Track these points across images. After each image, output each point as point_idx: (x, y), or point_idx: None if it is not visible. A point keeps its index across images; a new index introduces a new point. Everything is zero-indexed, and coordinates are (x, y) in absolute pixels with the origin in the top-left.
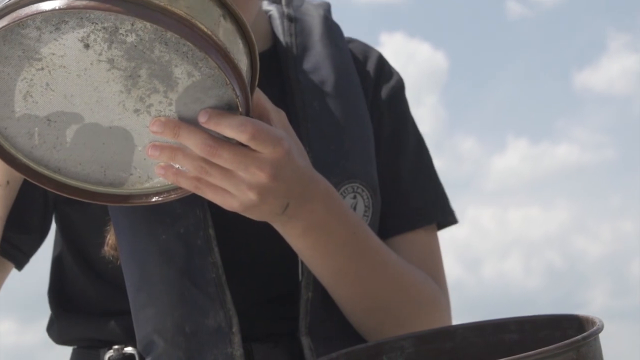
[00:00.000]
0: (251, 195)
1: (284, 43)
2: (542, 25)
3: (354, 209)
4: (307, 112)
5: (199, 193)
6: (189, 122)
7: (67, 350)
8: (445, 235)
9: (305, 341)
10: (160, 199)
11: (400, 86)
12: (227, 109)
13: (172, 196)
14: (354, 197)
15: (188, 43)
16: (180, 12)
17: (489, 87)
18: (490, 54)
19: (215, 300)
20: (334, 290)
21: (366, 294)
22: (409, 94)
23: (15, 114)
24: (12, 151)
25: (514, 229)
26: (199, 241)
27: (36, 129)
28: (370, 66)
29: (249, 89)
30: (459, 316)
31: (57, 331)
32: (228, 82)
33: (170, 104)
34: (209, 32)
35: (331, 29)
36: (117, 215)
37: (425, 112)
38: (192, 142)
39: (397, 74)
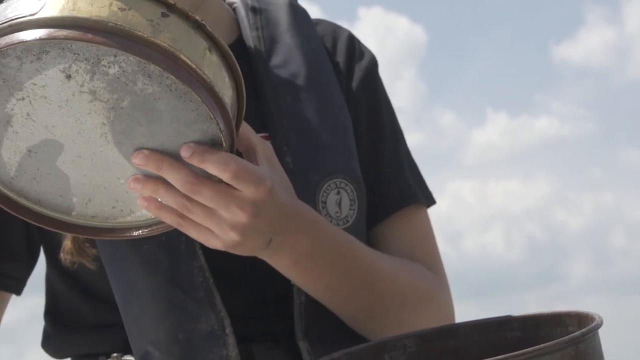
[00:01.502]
0: (233, 236)
1: (250, 37)
2: None
3: (339, 204)
4: (281, 110)
5: (182, 230)
6: (171, 155)
7: None
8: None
9: (303, 345)
10: (142, 232)
11: (373, 65)
12: (211, 144)
13: (155, 230)
14: (338, 193)
15: (172, 76)
16: (165, 45)
17: (468, 61)
18: (468, 27)
19: (205, 304)
20: (329, 305)
21: (362, 305)
22: (388, 68)
23: None
24: None
25: (494, 203)
26: (183, 246)
27: (17, 159)
28: (341, 48)
29: (233, 123)
30: None
31: (53, 348)
32: (212, 116)
33: (153, 137)
34: (193, 66)
35: (298, 16)
36: None
37: (404, 86)
38: (173, 177)
39: (369, 52)
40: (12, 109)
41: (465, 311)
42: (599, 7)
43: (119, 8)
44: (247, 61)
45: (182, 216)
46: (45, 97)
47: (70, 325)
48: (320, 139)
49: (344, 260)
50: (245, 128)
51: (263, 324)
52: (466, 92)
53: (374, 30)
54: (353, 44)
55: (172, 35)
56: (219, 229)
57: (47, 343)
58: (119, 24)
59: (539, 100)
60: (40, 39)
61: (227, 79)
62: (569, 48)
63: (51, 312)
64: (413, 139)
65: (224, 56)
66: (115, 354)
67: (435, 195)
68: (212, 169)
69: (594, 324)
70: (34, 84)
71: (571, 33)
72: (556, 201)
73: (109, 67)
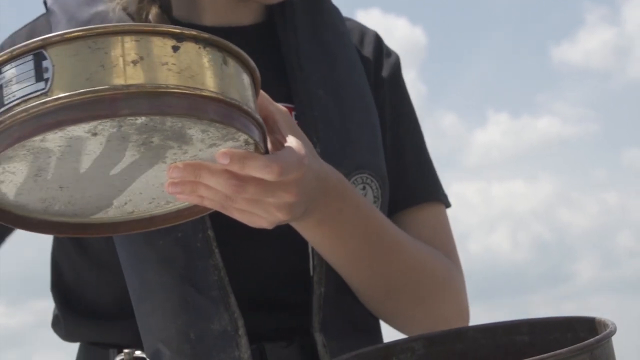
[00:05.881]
0: (280, 215)
1: (283, 29)
2: None
3: None
4: (312, 102)
5: (226, 213)
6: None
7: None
8: None
9: (319, 337)
10: (184, 215)
11: (398, 64)
12: (245, 145)
13: (196, 212)
14: (364, 188)
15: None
16: (185, 91)
17: (468, 62)
18: (468, 29)
19: (219, 304)
20: (350, 276)
21: (383, 276)
22: None
23: (25, 190)
24: (24, 214)
25: (498, 203)
26: (199, 244)
27: (49, 195)
28: (369, 44)
29: (264, 125)
30: None
31: (65, 329)
32: (244, 131)
33: (185, 153)
34: (219, 97)
35: (331, 13)
36: None
37: None
38: (215, 182)
39: (394, 52)
40: (40, 165)
41: (472, 313)
42: (598, 7)
43: (131, 61)
44: (278, 52)
45: (225, 203)
46: (73, 151)
47: (82, 307)
48: (350, 134)
49: (368, 224)
50: (263, 97)
51: (277, 321)
52: (467, 93)
53: None
54: (380, 42)
55: (189, 70)
56: (265, 212)
57: (57, 325)
58: (137, 83)
59: (540, 101)
60: (61, 128)
61: (245, 77)
62: (569, 49)
63: (59, 290)
64: None
65: (235, 55)
66: (126, 350)
67: None
68: (255, 173)
69: (608, 330)
70: (59, 146)
71: (570, 34)
72: (561, 201)
73: (135, 119)
